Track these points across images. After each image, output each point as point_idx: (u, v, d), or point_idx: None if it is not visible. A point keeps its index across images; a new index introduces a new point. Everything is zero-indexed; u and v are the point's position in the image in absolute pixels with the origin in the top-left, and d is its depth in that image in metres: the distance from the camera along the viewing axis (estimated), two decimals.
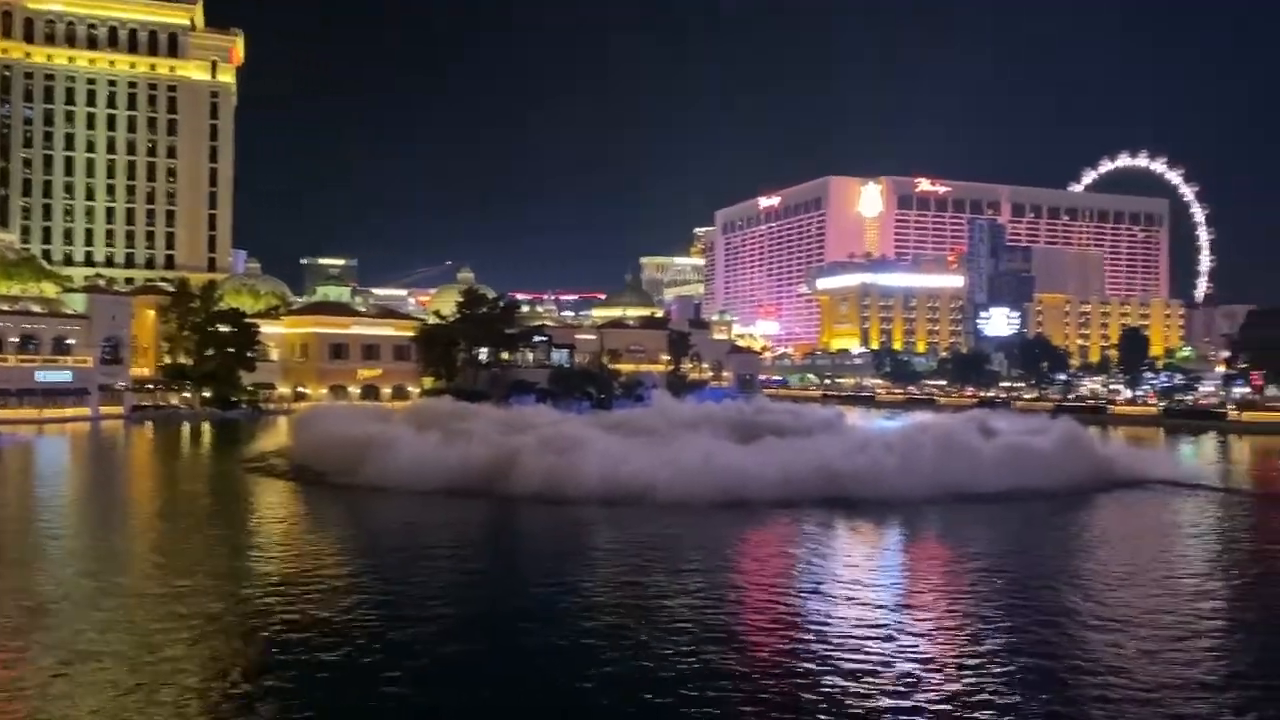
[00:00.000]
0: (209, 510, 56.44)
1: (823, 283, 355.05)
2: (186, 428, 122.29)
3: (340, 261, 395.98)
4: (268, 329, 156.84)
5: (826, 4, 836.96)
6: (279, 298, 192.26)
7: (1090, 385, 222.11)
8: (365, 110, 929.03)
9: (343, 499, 57.36)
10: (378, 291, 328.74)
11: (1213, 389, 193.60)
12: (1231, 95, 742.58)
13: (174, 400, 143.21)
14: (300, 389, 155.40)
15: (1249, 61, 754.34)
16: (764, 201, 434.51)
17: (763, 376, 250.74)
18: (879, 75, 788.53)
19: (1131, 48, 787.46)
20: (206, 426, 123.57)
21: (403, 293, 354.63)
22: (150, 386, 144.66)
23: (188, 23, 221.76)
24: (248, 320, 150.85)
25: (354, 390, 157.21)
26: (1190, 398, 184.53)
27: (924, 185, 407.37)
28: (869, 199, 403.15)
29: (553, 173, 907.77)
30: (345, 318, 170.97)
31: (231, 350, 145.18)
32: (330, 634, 28.64)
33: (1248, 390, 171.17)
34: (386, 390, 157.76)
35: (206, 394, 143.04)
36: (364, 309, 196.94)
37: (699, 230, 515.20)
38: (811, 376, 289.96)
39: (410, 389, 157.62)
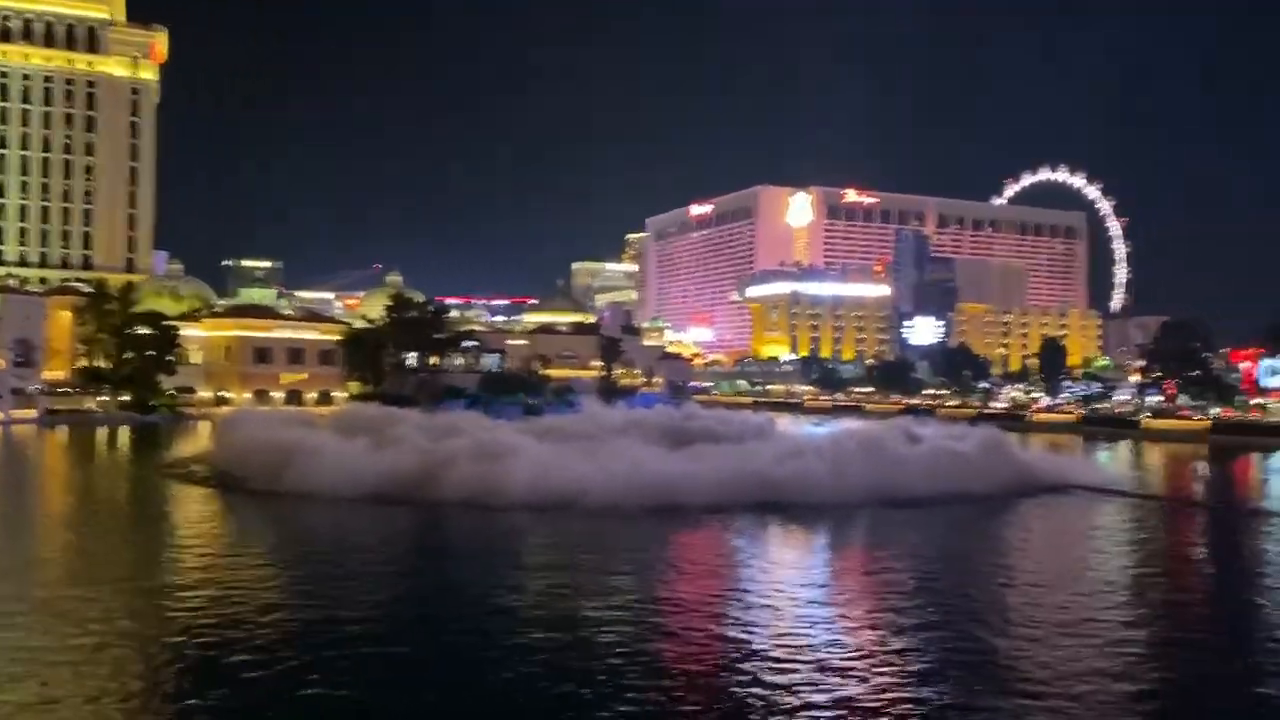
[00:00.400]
0: (124, 517, 54.77)
1: (753, 291, 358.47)
2: (103, 432, 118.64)
3: (265, 264, 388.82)
4: (189, 332, 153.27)
5: (760, 15, 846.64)
6: (201, 300, 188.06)
7: (1011, 393, 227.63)
8: (292, 110, 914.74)
9: (265, 506, 56.10)
10: (304, 295, 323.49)
11: (1128, 397, 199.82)
12: (1148, 111, 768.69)
13: (90, 404, 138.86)
14: (222, 393, 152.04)
15: (1165, 78, 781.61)
16: (695, 209, 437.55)
17: (694, 383, 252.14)
18: (809, 86, 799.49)
19: (1053, 64, 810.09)
20: (124, 431, 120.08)
21: (329, 296, 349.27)
22: (65, 390, 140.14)
23: (108, 17, 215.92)
24: (168, 323, 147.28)
25: (278, 395, 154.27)
26: (1107, 406, 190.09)
27: (852, 196, 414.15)
28: (798, 209, 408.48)
29: (484, 177, 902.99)
30: (269, 321, 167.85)
31: (151, 353, 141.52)
32: (250, 642, 27.95)
33: (1161, 399, 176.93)
34: (311, 395, 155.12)
35: (124, 398, 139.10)
36: (289, 312, 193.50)
37: (631, 237, 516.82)
38: (742, 383, 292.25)
39: (336, 394, 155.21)
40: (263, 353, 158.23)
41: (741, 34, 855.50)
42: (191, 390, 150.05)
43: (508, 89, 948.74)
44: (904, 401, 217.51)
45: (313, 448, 62.35)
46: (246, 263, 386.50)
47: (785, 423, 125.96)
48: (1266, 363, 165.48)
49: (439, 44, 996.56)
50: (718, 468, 59.87)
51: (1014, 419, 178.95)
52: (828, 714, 23.42)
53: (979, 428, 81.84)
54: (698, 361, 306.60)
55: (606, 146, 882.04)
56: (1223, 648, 30.89)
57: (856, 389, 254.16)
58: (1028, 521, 58.09)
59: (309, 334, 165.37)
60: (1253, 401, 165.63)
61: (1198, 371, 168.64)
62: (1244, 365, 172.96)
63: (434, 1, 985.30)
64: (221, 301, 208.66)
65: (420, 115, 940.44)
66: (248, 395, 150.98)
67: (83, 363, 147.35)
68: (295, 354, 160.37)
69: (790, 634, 30.45)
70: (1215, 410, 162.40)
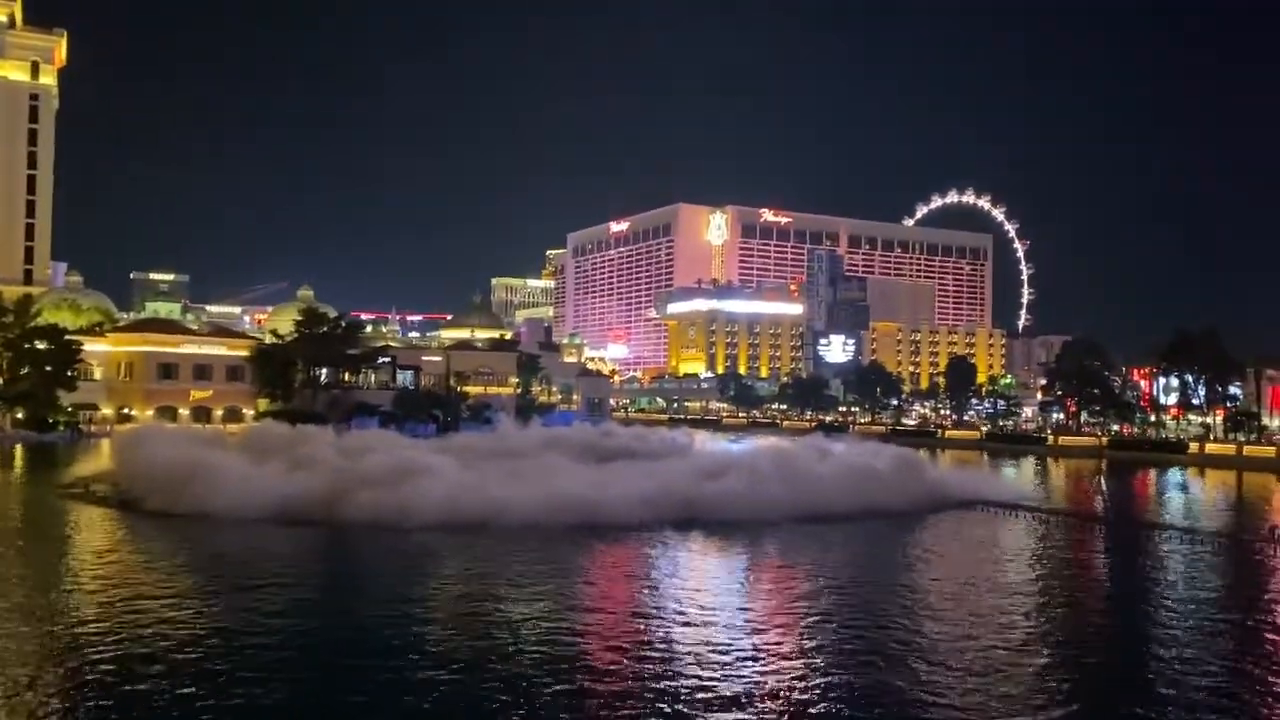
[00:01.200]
0: (17, 538, 52.48)
1: (671, 308, 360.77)
2: None
3: (170, 277, 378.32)
4: (91, 346, 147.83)
5: (678, 37, 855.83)
6: (103, 313, 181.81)
7: (921, 410, 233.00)
8: (199, 120, 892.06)
9: (168, 527, 54.33)
10: (211, 309, 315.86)
11: (1032, 414, 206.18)
12: (1051, 136, 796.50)
13: None
14: (125, 410, 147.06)
15: (1069, 108, 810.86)
16: (615, 226, 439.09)
17: (612, 400, 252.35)
18: (727, 105, 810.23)
19: (962, 91, 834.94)
20: (19, 450, 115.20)
21: (238, 310, 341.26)
22: None
23: (5, 19, 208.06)
24: (68, 337, 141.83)
25: (184, 412, 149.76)
26: (1012, 423, 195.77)
27: (768, 216, 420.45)
28: (716, 227, 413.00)
29: (400, 190, 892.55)
30: (175, 336, 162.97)
31: (49, 369, 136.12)
32: (150, 666, 27.07)
33: (1063, 416, 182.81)
34: (219, 412, 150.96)
35: (20, 415, 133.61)
36: (196, 327, 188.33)
37: (550, 252, 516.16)
38: (660, 400, 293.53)
39: (245, 411, 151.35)
40: (168, 368, 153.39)
41: (660, 54, 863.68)
42: (94, 407, 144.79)
43: (426, 101, 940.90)
44: (818, 418, 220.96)
45: (217, 467, 60.75)
46: (152, 276, 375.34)
47: (702, 439, 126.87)
48: (1162, 380, 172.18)
49: (356, 53, 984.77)
50: (636, 485, 60.06)
51: (925, 435, 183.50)
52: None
53: (890, 446, 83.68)
54: (616, 378, 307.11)
55: (527, 162, 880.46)
56: (1112, 645, 32.11)
57: (772, 406, 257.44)
58: (936, 536, 59.39)
59: (216, 349, 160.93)
60: (1150, 418, 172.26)
61: (1097, 389, 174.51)
62: (1143, 384, 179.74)
63: (353, 6, 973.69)
64: (125, 315, 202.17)
65: (336, 126, 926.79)
66: (151, 412, 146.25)
67: None
68: (202, 370, 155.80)
69: (708, 643, 30.64)
70: (1114, 427, 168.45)
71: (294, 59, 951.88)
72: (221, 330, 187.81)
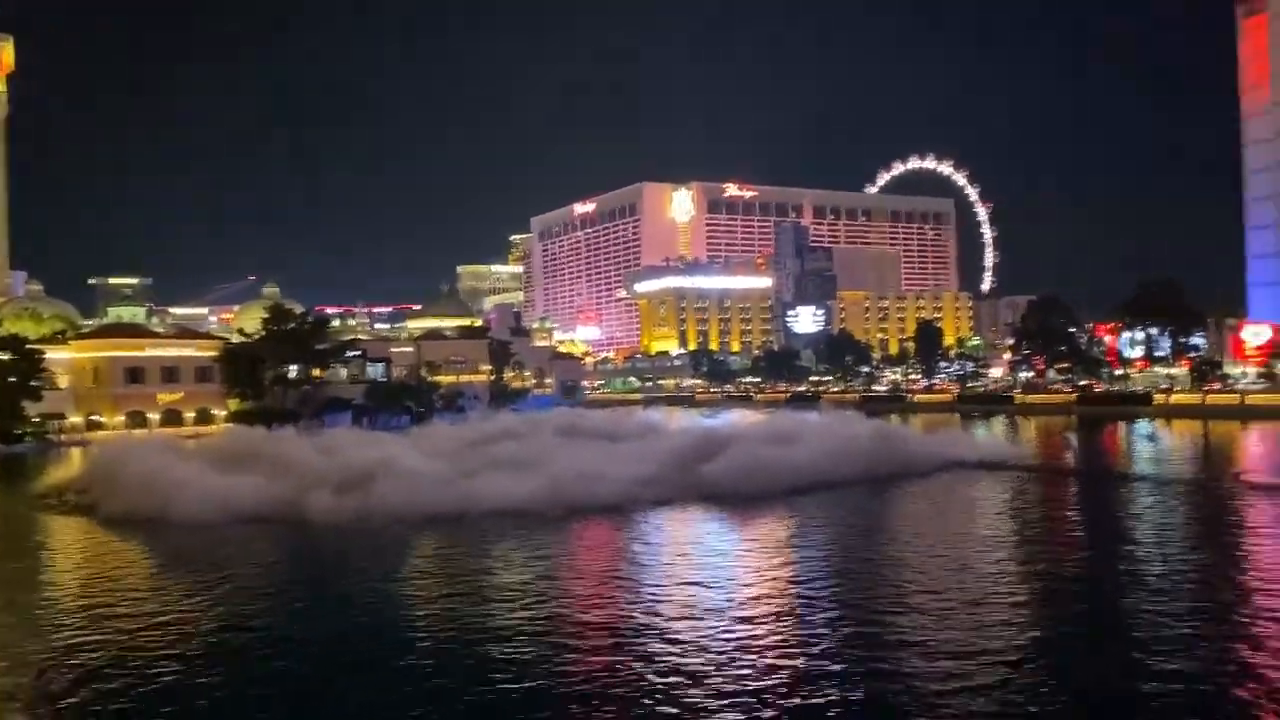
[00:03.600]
0: None
1: (640, 287, 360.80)
2: None
3: (133, 281, 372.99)
4: (54, 355, 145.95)
5: (634, 12, 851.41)
6: (66, 321, 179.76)
7: (891, 376, 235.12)
8: (157, 122, 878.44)
9: (147, 535, 53.99)
10: (176, 311, 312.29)
11: (1001, 374, 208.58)
12: (1012, 99, 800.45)
13: None
14: (94, 417, 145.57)
15: (1028, 73, 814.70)
16: (579, 208, 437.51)
17: (585, 382, 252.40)
18: (687, 80, 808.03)
19: (921, 54, 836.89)
20: None
21: (204, 311, 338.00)
22: None
23: None
24: (30, 346, 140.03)
25: (154, 416, 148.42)
26: (983, 384, 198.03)
27: (732, 190, 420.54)
28: (680, 204, 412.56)
29: (363, 183, 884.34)
30: (141, 339, 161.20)
31: (13, 380, 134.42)
32: (135, 672, 27.14)
33: (1031, 375, 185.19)
34: (190, 414, 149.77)
35: None
36: (162, 329, 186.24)
37: (516, 237, 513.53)
38: (633, 380, 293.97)
39: (216, 412, 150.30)
40: (135, 373, 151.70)
41: (619, 31, 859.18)
42: (61, 416, 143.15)
43: (384, 89, 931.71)
44: (791, 389, 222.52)
45: (191, 474, 60.62)
46: (114, 281, 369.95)
47: (678, 417, 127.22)
48: (1127, 335, 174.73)
49: (309, 43, 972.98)
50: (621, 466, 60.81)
51: (896, 400, 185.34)
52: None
53: (863, 416, 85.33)
54: (588, 360, 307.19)
55: (488, 147, 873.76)
56: (1087, 587, 33.01)
57: (745, 380, 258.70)
58: (923, 497, 60.24)
59: (184, 351, 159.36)
60: (1117, 373, 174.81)
61: (1064, 347, 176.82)
62: (1108, 339, 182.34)
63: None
64: (88, 322, 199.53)
65: (292, 120, 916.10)
66: (121, 418, 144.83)
67: None
68: (170, 373, 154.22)
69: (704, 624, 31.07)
70: (1082, 383, 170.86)
71: (250, 55, 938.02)
72: (188, 332, 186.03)
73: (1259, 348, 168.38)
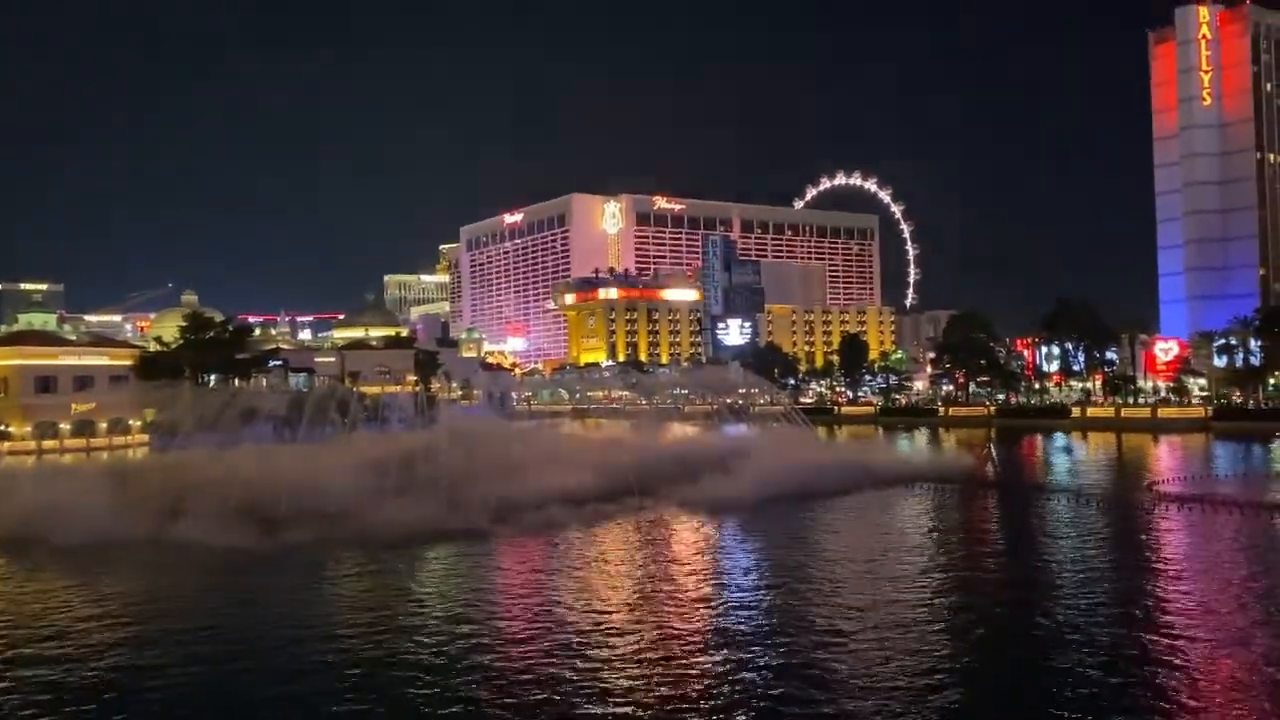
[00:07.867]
0: None
1: (569, 298, 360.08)
2: None
3: (43, 286, 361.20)
4: None
5: (562, 24, 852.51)
6: None
7: (817, 388, 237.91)
8: (68, 120, 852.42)
9: (60, 561, 51.90)
10: (90, 318, 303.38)
11: (923, 387, 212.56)
12: (933, 117, 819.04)
13: None
14: (3, 427, 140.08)
15: (950, 91, 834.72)
16: (509, 218, 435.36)
17: (514, 394, 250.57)
18: (620, 94, 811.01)
19: (846, 73, 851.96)
20: None
21: (119, 318, 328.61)
22: None
23: None
24: None
25: (65, 426, 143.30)
26: (905, 397, 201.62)
27: (661, 203, 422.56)
28: (610, 216, 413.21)
29: (288, 189, 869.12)
30: (53, 347, 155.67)
31: None
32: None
33: (952, 388, 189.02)
34: (104, 424, 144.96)
35: None
36: (75, 337, 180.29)
37: (444, 247, 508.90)
38: (563, 391, 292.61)
39: (131, 422, 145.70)
40: (46, 382, 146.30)
41: (551, 42, 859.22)
42: None
43: (317, 91, 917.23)
44: (720, 401, 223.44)
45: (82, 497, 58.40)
46: (24, 286, 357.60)
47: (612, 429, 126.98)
48: (1045, 349, 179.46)
49: (233, 42, 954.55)
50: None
51: (822, 413, 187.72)
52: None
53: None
54: (517, 372, 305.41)
55: (418, 157, 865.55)
56: (1007, 595, 33.78)
57: (673, 391, 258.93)
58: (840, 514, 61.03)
59: (98, 359, 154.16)
60: (1035, 386, 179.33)
61: (984, 360, 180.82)
62: (1026, 353, 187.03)
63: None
64: None
65: (213, 123, 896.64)
66: (30, 429, 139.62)
67: None
68: (84, 381, 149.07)
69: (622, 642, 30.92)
70: (1000, 396, 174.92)
71: (160, 55, 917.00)
72: (102, 339, 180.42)
73: (1168, 363, 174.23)
